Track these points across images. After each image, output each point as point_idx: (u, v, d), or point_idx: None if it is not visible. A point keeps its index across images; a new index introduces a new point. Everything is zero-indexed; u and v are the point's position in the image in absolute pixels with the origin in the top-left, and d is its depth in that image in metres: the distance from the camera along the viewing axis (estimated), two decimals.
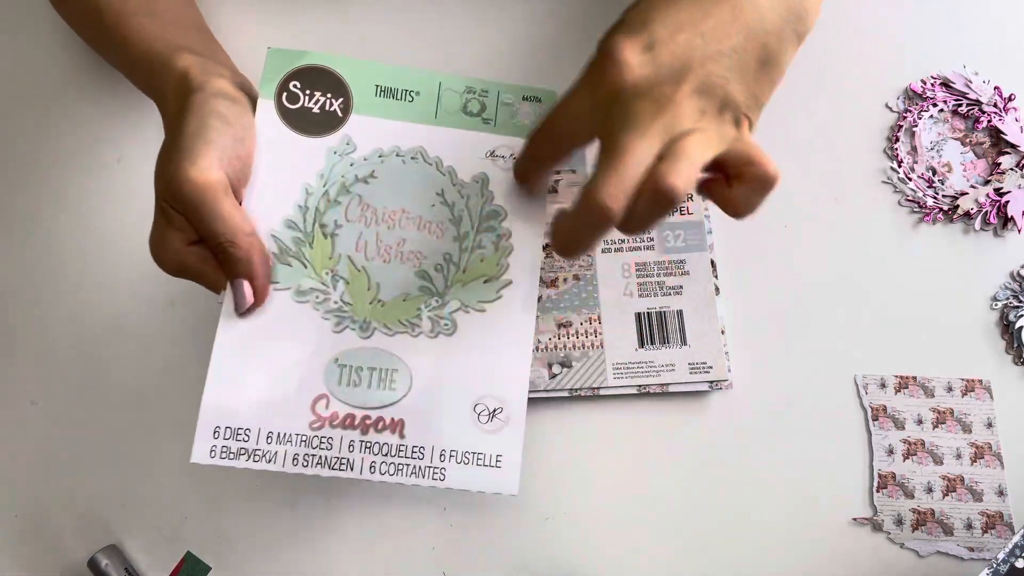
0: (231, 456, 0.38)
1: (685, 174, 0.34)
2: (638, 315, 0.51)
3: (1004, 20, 0.57)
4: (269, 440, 0.39)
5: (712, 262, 0.52)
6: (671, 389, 0.50)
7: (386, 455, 0.39)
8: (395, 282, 0.41)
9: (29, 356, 0.53)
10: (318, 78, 0.42)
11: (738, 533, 0.50)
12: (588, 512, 0.50)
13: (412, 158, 0.42)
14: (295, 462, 0.39)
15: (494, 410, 0.40)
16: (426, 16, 0.57)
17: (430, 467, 0.39)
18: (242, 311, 0.39)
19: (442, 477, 0.39)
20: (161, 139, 0.55)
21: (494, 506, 0.50)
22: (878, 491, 0.50)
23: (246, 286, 0.38)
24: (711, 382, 0.50)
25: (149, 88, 0.45)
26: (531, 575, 0.49)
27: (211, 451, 0.38)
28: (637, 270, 0.52)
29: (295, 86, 0.41)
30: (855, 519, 0.50)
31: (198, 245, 0.39)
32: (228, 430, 0.39)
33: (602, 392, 0.51)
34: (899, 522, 0.49)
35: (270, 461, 0.39)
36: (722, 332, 0.51)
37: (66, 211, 0.55)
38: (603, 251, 0.52)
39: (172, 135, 0.39)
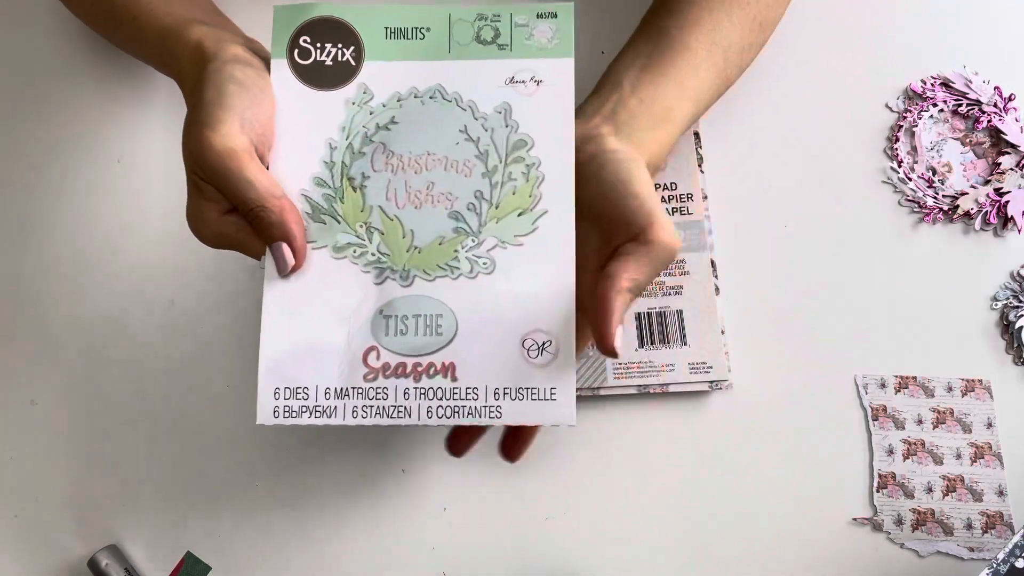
0: (294, 415, 0.39)
1: None
2: (638, 315, 0.51)
3: (1004, 20, 0.57)
4: (327, 396, 0.39)
5: (712, 262, 0.52)
6: (671, 389, 0.50)
7: (441, 399, 0.39)
8: (429, 227, 0.40)
9: (29, 356, 0.53)
10: (327, 29, 0.41)
11: (738, 533, 0.50)
12: (588, 512, 0.50)
13: (431, 97, 0.41)
14: (355, 414, 0.39)
15: (543, 344, 0.39)
16: None
17: (486, 406, 0.39)
18: (285, 273, 0.39)
19: (499, 415, 0.39)
20: (160, 143, 0.56)
21: (494, 506, 0.50)
22: (878, 491, 0.50)
23: (285, 248, 0.38)
24: (711, 382, 0.50)
25: (164, 65, 0.45)
26: (531, 575, 0.49)
27: (275, 411, 0.39)
28: None
29: (305, 41, 0.41)
30: (855, 519, 0.50)
31: (233, 214, 0.40)
32: (288, 390, 0.39)
33: (602, 392, 0.51)
34: (899, 522, 0.49)
35: (331, 416, 0.39)
36: (722, 332, 0.51)
37: (66, 211, 0.55)
38: None
39: (192, 106, 0.39)
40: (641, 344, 0.51)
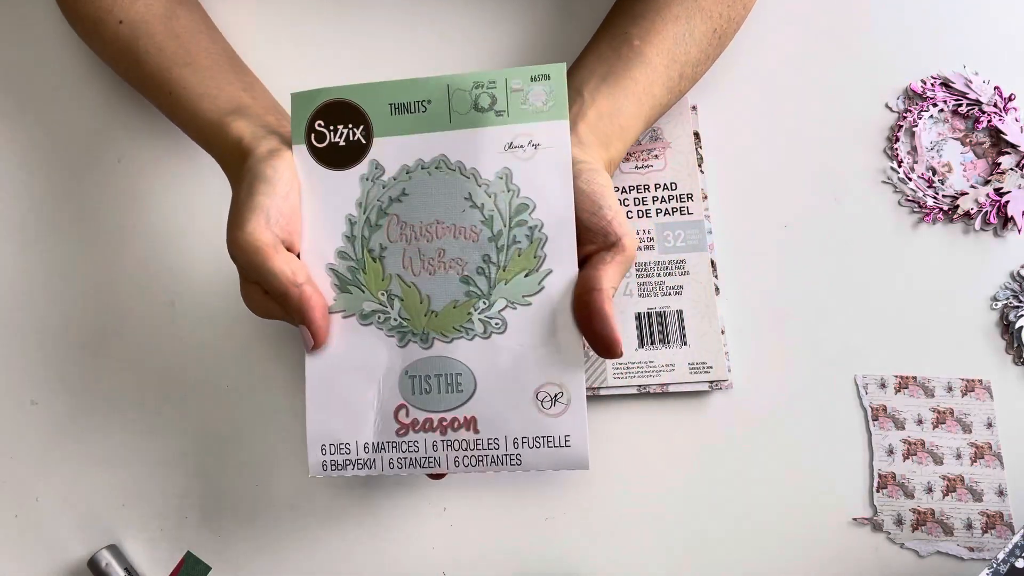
0: (339, 467, 0.43)
1: None
2: (638, 315, 0.51)
3: (1004, 20, 0.57)
4: (367, 450, 0.43)
5: (712, 262, 0.52)
6: (671, 389, 0.50)
7: (466, 450, 0.42)
8: (443, 292, 0.43)
9: (29, 356, 0.53)
10: (338, 112, 0.44)
11: (738, 533, 0.50)
12: (588, 512, 0.50)
13: (436, 168, 0.43)
14: (391, 466, 0.43)
15: (555, 395, 0.42)
16: (428, 22, 0.57)
17: (506, 455, 0.42)
18: (308, 351, 0.43)
19: (518, 462, 0.42)
20: (160, 143, 0.56)
21: (494, 506, 0.50)
22: (878, 491, 0.50)
23: (305, 331, 0.42)
24: (711, 382, 0.50)
25: (207, 149, 0.48)
26: (531, 575, 0.49)
27: (323, 465, 0.43)
28: (637, 270, 0.52)
29: (320, 125, 0.44)
30: (855, 519, 0.50)
31: None
32: (332, 446, 0.43)
33: (602, 392, 0.51)
34: (899, 522, 0.49)
35: (371, 468, 0.43)
36: (722, 332, 0.51)
37: (66, 211, 0.55)
38: None
39: (231, 204, 0.43)
40: (641, 344, 0.51)
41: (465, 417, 0.43)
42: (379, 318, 0.43)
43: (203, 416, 0.52)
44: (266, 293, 0.43)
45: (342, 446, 0.43)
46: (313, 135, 0.44)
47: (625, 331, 0.51)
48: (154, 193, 0.55)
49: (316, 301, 0.42)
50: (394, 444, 0.43)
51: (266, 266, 0.41)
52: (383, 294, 0.43)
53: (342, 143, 0.44)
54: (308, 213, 0.44)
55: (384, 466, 0.43)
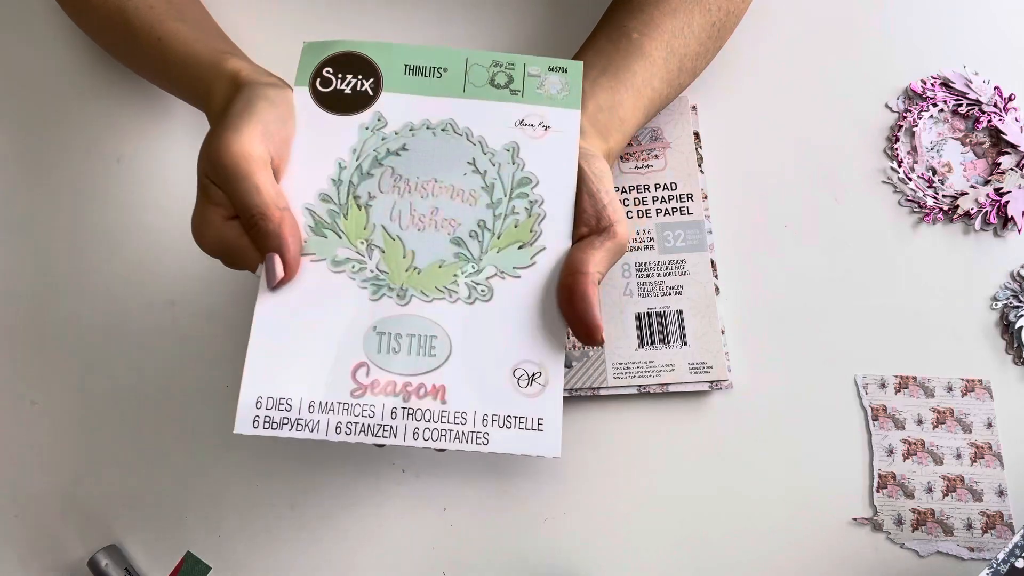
0: (274, 426, 0.38)
1: None
2: (638, 315, 0.51)
3: (1004, 20, 0.57)
4: (311, 409, 0.39)
5: (712, 262, 0.52)
6: (671, 389, 0.50)
7: (428, 421, 0.39)
8: (430, 249, 0.41)
9: (29, 356, 0.53)
10: (349, 63, 0.43)
11: (738, 533, 0.50)
12: (588, 512, 0.50)
13: (442, 130, 0.43)
14: (338, 430, 0.39)
15: (533, 374, 0.40)
16: (428, 18, 0.57)
17: (473, 432, 0.39)
18: (273, 284, 0.39)
19: (485, 442, 0.39)
20: (160, 143, 0.56)
21: (494, 506, 0.50)
22: (878, 491, 0.50)
23: (276, 260, 0.39)
24: (711, 382, 0.50)
25: (191, 90, 0.46)
26: (531, 575, 0.49)
27: (254, 421, 0.38)
28: (637, 270, 0.52)
29: (328, 72, 0.43)
30: (855, 519, 0.50)
31: (236, 220, 0.40)
32: (270, 400, 0.39)
33: (602, 392, 0.51)
34: (899, 522, 0.49)
35: (313, 430, 0.38)
36: (722, 332, 0.51)
37: (66, 211, 0.55)
38: None
39: (219, 117, 0.40)
40: (641, 344, 0.51)
41: (434, 385, 0.39)
42: (353, 267, 0.41)
43: (203, 416, 0.52)
44: (231, 218, 0.39)
45: (283, 401, 0.39)
46: (319, 80, 0.43)
47: (625, 331, 0.51)
48: (154, 193, 0.55)
49: (295, 230, 0.39)
50: (345, 406, 0.39)
51: (251, 179, 0.38)
52: (363, 243, 0.41)
53: (348, 91, 0.43)
54: (296, 151, 0.42)
55: (329, 430, 0.38)
